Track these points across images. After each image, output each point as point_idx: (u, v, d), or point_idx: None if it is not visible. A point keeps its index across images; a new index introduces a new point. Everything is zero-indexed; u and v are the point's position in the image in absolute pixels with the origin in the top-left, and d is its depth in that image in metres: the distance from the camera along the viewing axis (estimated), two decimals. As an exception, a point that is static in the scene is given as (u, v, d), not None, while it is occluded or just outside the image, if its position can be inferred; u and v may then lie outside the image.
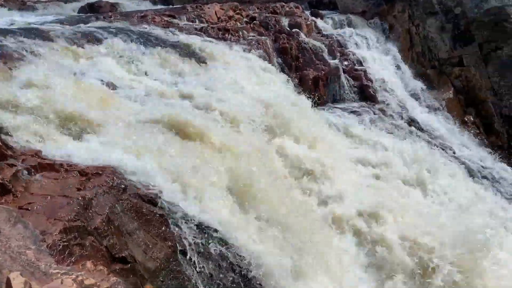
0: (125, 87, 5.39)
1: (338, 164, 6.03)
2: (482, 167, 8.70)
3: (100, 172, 3.60)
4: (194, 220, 3.83)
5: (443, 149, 8.65)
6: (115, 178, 3.59)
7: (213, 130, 4.76)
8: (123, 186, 3.59)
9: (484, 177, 8.17)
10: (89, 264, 2.78)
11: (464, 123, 10.37)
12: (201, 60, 6.90)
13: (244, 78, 6.80)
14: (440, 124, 9.63)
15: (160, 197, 3.75)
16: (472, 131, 10.18)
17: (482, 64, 10.59)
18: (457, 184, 7.04)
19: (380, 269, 4.58)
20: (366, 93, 9.61)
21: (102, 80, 5.26)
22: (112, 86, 5.27)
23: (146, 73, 5.96)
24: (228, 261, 3.73)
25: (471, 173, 8.22)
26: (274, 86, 7.35)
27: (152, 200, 3.70)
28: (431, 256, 4.57)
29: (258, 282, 3.70)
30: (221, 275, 3.66)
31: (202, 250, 3.71)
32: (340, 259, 4.45)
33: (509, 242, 5.45)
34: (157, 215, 3.64)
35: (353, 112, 8.84)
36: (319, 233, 4.45)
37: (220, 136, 4.70)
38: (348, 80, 9.79)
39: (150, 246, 3.47)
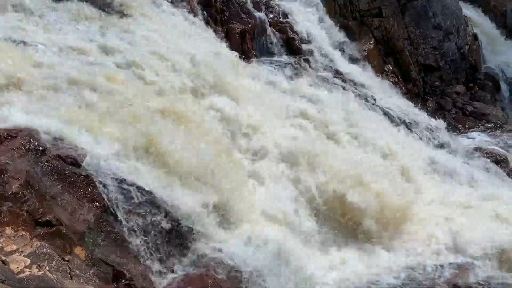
0: (38, 44, 4.99)
1: (266, 117, 6.13)
2: (402, 113, 9.27)
3: (14, 135, 3.37)
4: (122, 179, 3.76)
5: (366, 99, 9.07)
6: (31, 140, 3.39)
7: (136, 88, 4.60)
8: (41, 148, 3.40)
9: (403, 122, 8.72)
10: (8, 230, 2.65)
11: (384, 72, 10.87)
12: (122, 15, 6.50)
13: (168, 33, 6.55)
14: (362, 74, 10.03)
15: (83, 158, 3.61)
16: (391, 80, 10.72)
17: (399, 15, 11.05)
18: (380, 130, 7.46)
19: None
20: (292, 46, 9.69)
21: (11, 38, 4.83)
22: (22, 43, 4.85)
23: (60, 29, 5.54)
24: (159, 216, 3.73)
25: (392, 119, 8.73)
26: (200, 40, 7.17)
27: (75, 162, 3.56)
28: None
29: (188, 231, 3.77)
30: (153, 230, 3.66)
31: (132, 208, 3.67)
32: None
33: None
34: (82, 176, 3.51)
35: (280, 65, 8.92)
36: (245, 186, 4.58)
37: (143, 95, 4.57)
38: (274, 34, 9.78)
39: (77, 208, 3.37)
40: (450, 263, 5.05)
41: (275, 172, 5.42)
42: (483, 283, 4.83)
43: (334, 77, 9.42)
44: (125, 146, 4.09)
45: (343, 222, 5.05)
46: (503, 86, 12.22)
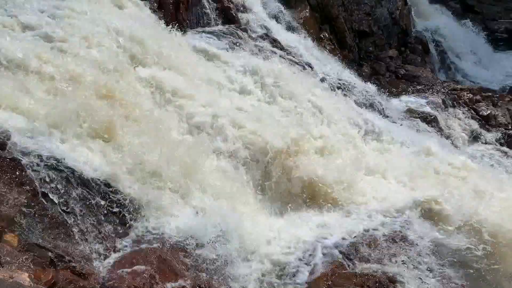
0: None
1: (203, 88, 6.03)
2: (338, 79, 9.49)
3: None
4: (53, 159, 3.59)
5: (303, 66, 9.18)
6: None
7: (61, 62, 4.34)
8: (-43, 132, 3.15)
9: (339, 88, 8.94)
10: None
11: (321, 40, 11.02)
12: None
13: (95, 2, 6.18)
14: (299, 42, 10.10)
15: (7, 140, 3.39)
16: (328, 47, 10.90)
17: (333, -19, 11.16)
18: (319, 98, 7.60)
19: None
20: (228, 16, 9.52)
21: None
22: None
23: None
24: (97, 195, 3.62)
25: (329, 86, 8.92)
26: (131, 12, 6.84)
27: (-1, 145, 3.33)
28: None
29: (130, 208, 3.70)
30: (91, 209, 3.55)
31: (67, 189, 3.52)
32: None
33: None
34: (7, 159, 3.30)
35: (217, 35, 8.75)
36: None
37: (71, 70, 4.33)
38: (209, 3, 9.54)
39: (4, 193, 3.17)
40: (391, 222, 5.35)
41: (221, 144, 5.37)
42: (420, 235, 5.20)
43: (271, 46, 9.42)
44: (55, 125, 3.89)
45: (290, 191, 5.14)
46: (432, 49, 12.84)
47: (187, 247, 3.79)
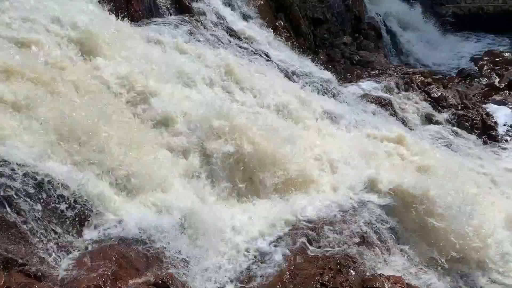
0: None
1: (158, 78, 5.92)
2: (295, 67, 9.57)
3: None
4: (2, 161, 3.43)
5: (260, 55, 9.18)
6: None
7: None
8: None
9: (297, 75, 9.03)
10: None
11: (276, 28, 11.04)
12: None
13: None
14: (255, 31, 10.08)
15: None
16: (283, 35, 10.95)
17: (287, -31, 11.20)
18: (275, 85, 7.63)
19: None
20: (182, 6, 9.36)
21: None
22: None
23: None
24: (50, 194, 3.50)
25: (286, 74, 8.98)
26: (79, 4, 6.58)
27: None
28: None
29: (86, 206, 3.60)
30: (45, 210, 3.43)
31: (17, 189, 3.37)
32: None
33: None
34: None
35: (171, 25, 8.59)
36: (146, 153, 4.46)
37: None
38: (162, -8, 9.33)
39: None
40: (350, 204, 5.48)
41: (178, 137, 5.30)
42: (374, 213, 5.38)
43: (227, 35, 9.35)
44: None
45: (245, 178, 5.16)
46: (384, 34, 13.17)
47: (147, 242, 3.74)
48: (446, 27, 16.28)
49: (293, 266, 4.13)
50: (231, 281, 3.92)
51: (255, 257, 4.28)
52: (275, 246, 4.45)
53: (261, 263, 4.22)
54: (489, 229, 5.46)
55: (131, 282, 3.41)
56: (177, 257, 3.79)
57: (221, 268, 4.04)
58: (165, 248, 3.77)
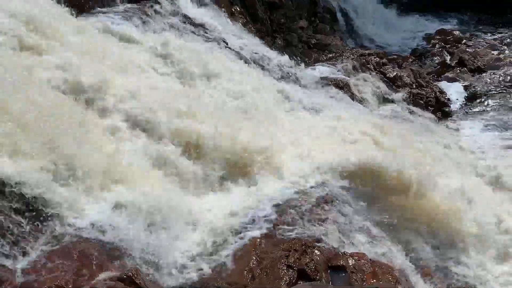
0: None
1: (115, 70, 5.76)
2: (253, 53, 9.54)
3: None
4: None
5: (217, 42, 9.08)
6: None
7: None
8: None
9: (255, 61, 9.01)
10: None
11: (233, 14, 10.94)
12: None
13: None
14: (211, 17, 9.95)
15: None
16: (240, 21, 10.86)
17: (239, -46, 11.06)
18: (235, 72, 7.58)
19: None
20: (134, -7, 9.07)
21: None
22: None
23: None
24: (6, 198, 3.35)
25: (245, 60, 8.93)
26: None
27: None
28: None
29: (41, 205, 3.49)
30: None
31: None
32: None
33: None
34: None
35: (123, 15, 8.33)
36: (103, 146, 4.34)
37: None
38: (111, -19, 9.00)
39: None
40: (312, 186, 5.57)
41: (134, 128, 5.19)
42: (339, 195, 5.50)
43: (183, 22, 9.18)
44: None
45: (211, 164, 5.14)
46: (339, 17, 13.32)
47: (109, 238, 3.66)
48: (400, 8, 16.65)
49: (259, 251, 4.17)
50: (198, 270, 3.92)
51: (221, 245, 4.28)
52: (240, 232, 4.48)
53: (227, 250, 4.24)
54: (451, 203, 5.68)
55: (95, 279, 3.34)
56: (142, 250, 3.74)
57: (187, 258, 4.02)
58: (128, 242, 3.70)
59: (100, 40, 6.47)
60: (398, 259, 4.88)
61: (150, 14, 8.84)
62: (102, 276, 3.39)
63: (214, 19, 10.09)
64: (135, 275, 3.39)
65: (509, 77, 11.34)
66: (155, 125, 5.06)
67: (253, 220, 4.66)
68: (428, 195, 5.52)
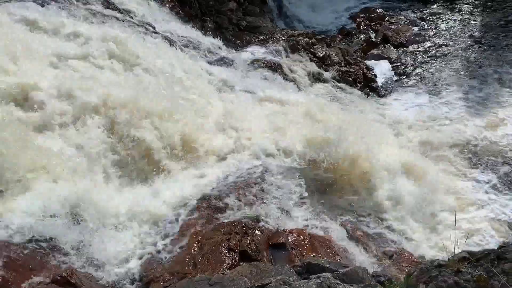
0: None
1: (35, 63, 5.38)
2: (182, 37, 9.33)
3: None
4: None
5: (144, 27, 8.77)
6: None
7: None
8: None
9: (185, 45, 8.82)
10: None
11: (160, -2, 10.59)
12: None
13: None
14: (136, 2, 9.57)
15: None
16: (167, 5, 10.55)
17: None
18: (164, 57, 7.37)
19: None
20: (49, -21, 8.48)
21: None
22: None
23: None
24: None
25: (173, 44, 8.72)
26: None
27: None
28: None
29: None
30: None
31: None
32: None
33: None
34: None
35: (41, 3, 7.78)
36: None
37: None
38: (24, -34, 8.34)
39: None
40: (250, 168, 5.62)
41: (59, 122, 4.90)
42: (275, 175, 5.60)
43: (106, 8, 8.75)
44: None
45: (136, 157, 4.99)
46: (268, -1, 13.34)
47: (38, 239, 3.47)
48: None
49: (200, 237, 4.15)
50: (137, 262, 3.84)
51: (160, 233, 4.22)
52: (181, 220, 4.43)
53: (168, 239, 4.18)
54: (388, 176, 5.97)
55: (26, 283, 3.17)
56: (75, 248, 3.59)
57: (125, 251, 3.92)
58: (59, 241, 3.54)
59: (17, 32, 6.01)
60: (335, 230, 5.08)
61: (70, 1, 8.34)
62: (35, 279, 3.22)
63: (139, 3, 9.72)
64: (71, 275, 3.26)
65: (429, 51, 12.04)
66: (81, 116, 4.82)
67: (194, 207, 4.64)
68: (361, 167, 5.76)
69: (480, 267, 1.65)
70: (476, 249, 1.95)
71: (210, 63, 8.60)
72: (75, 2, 8.41)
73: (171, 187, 4.86)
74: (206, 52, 9.02)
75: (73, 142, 4.50)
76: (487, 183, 6.74)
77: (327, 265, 2.93)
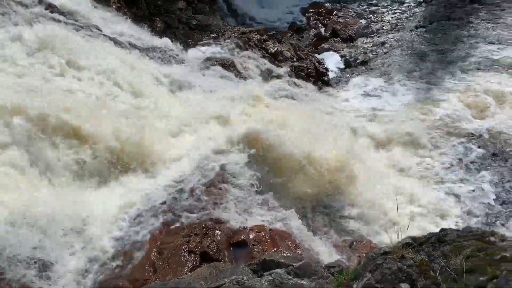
0: None
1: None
2: (131, 38, 9.12)
3: None
4: None
5: (90, 29, 8.50)
6: None
7: None
8: None
9: (134, 46, 8.62)
10: None
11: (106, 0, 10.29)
12: None
13: None
14: (81, 5, 9.25)
15: None
16: (114, 6, 10.27)
17: None
18: (110, 60, 7.16)
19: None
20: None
21: None
22: None
23: None
24: None
25: (121, 45, 8.50)
26: None
27: None
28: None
29: None
30: None
31: None
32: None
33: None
34: None
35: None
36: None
37: None
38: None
39: None
40: (208, 168, 5.58)
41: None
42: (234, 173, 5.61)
43: (49, 12, 8.41)
44: None
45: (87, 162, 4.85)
46: (218, -4, 13.28)
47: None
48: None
49: (159, 242, 4.10)
50: (96, 273, 3.73)
51: (117, 242, 4.12)
52: (137, 226, 4.35)
53: (126, 246, 4.10)
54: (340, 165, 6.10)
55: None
56: (27, 262, 3.44)
57: (82, 261, 3.81)
58: (11, 253, 3.38)
59: None
60: (295, 223, 5.14)
61: (9, 4, 7.95)
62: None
63: (83, 5, 9.40)
64: (23, 292, 3.13)
65: (376, 42, 12.42)
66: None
67: (150, 213, 4.55)
68: (316, 161, 5.87)
69: (422, 251, 1.75)
70: (424, 233, 2.05)
71: (160, 63, 8.46)
72: (14, 6, 8.04)
73: (126, 193, 4.76)
74: (157, 52, 8.86)
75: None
76: (435, 166, 7.05)
77: (282, 260, 2.97)
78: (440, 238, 1.84)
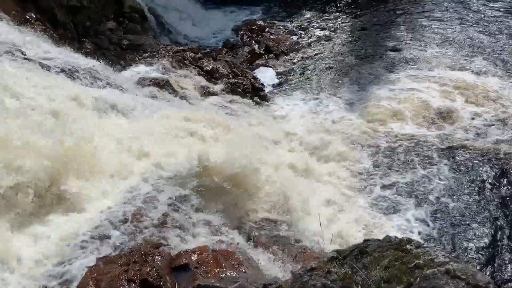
0: None
1: None
2: (58, 61, 8.73)
3: None
4: None
5: (12, 54, 8.03)
6: None
7: None
8: None
9: (62, 70, 8.26)
10: None
11: (28, 22, 9.79)
12: None
13: None
14: (1, 27, 8.74)
15: None
16: (38, 28, 9.80)
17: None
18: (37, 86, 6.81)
19: None
20: None
21: None
22: None
23: None
24: None
25: (49, 70, 8.12)
26: None
27: None
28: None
29: None
30: None
31: None
32: None
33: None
34: None
35: None
36: None
37: None
38: None
39: None
40: (144, 193, 5.41)
41: None
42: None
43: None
44: None
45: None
46: (148, 15, 13.13)
47: None
48: (206, 3, 17.23)
49: (95, 274, 3.87)
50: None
51: (50, 277, 3.85)
52: (72, 258, 4.10)
53: (59, 280, 3.84)
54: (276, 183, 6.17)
55: None
56: None
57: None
58: None
59: None
60: (239, 240, 5.11)
61: None
62: None
63: (2, 29, 8.88)
64: None
65: (308, 57, 12.84)
66: None
67: (86, 243, 4.32)
68: (253, 178, 5.90)
69: (346, 264, 1.78)
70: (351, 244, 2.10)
71: (91, 86, 8.15)
72: None
73: (57, 225, 4.48)
74: (86, 75, 8.54)
75: None
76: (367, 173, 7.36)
77: (217, 284, 2.92)
78: (362, 250, 1.88)
